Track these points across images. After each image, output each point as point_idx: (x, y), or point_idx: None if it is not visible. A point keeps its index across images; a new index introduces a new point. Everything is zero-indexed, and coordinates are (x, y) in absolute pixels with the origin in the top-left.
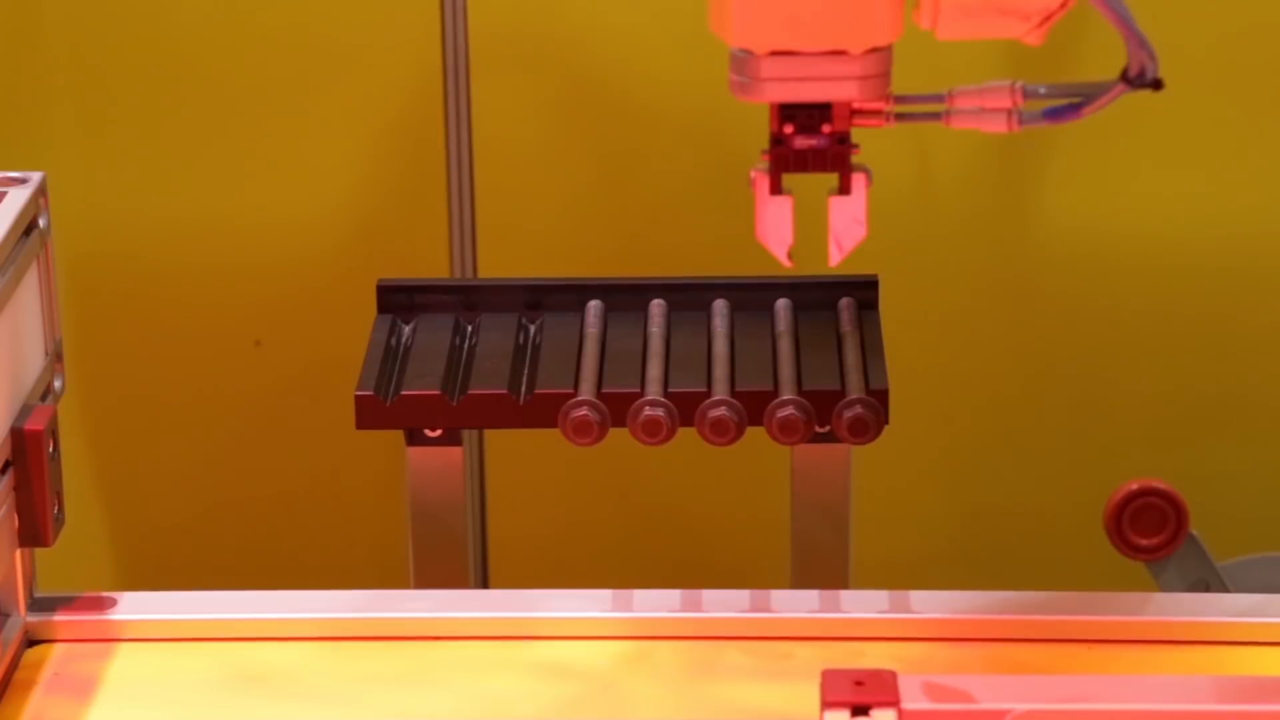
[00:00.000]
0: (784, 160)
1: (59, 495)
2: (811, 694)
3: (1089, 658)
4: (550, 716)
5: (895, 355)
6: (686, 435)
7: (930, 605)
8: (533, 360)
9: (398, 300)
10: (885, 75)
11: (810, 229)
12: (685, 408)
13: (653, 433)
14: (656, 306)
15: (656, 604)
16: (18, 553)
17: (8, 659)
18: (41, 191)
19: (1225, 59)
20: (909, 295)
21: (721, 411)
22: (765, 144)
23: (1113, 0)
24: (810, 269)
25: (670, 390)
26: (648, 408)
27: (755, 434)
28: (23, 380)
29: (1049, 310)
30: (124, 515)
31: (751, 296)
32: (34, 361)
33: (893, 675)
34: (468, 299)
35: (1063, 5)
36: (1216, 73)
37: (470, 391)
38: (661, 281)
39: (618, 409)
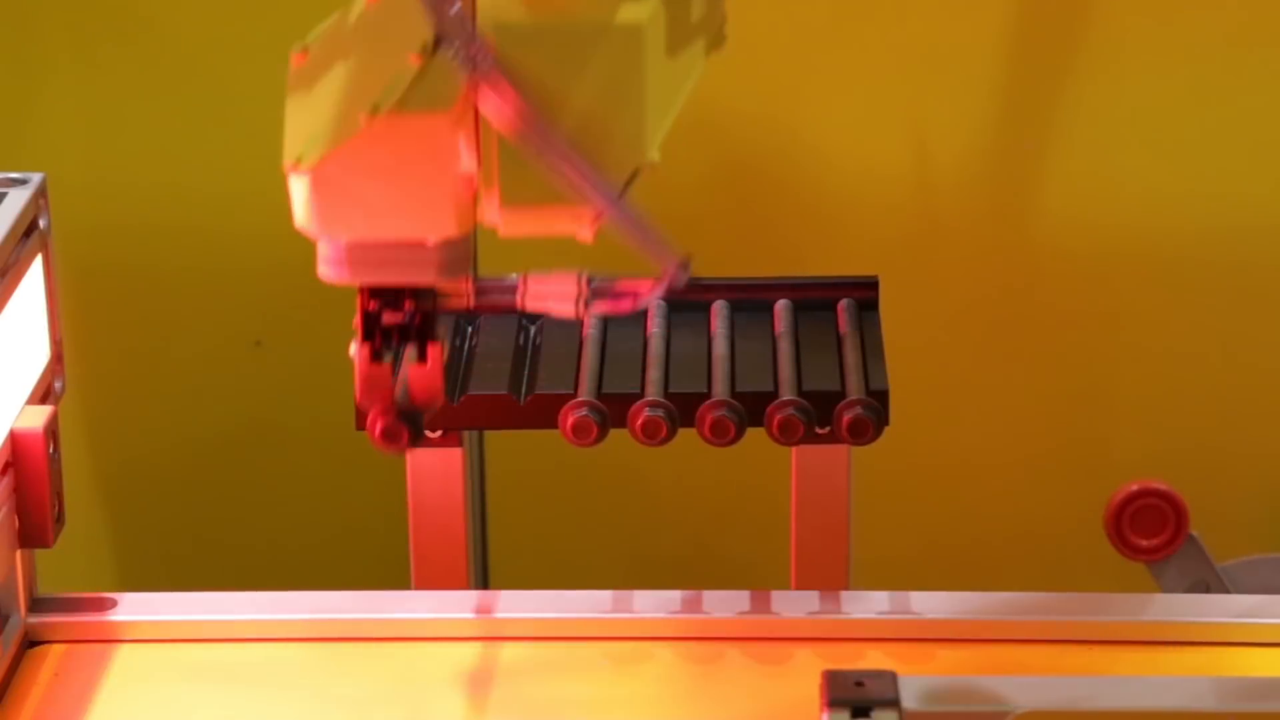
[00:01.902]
0: (373, 334)
1: (59, 496)
2: (812, 694)
3: (1089, 659)
4: (550, 716)
5: (895, 356)
6: (686, 436)
7: (930, 606)
8: (533, 361)
9: None
10: (464, 259)
11: (810, 227)
12: (685, 409)
13: (653, 434)
14: (657, 308)
15: (656, 604)
16: (18, 553)
17: (8, 660)
18: (41, 192)
19: (1226, 58)
20: (909, 295)
21: (721, 413)
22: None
23: (632, 220)
24: (810, 269)
25: (670, 391)
26: (648, 409)
27: (755, 435)
28: (23, 381)
29: (1049, 310)
30: (124, 515)
31: (751, 297)
32: (34, 362)
33: (893, 676)
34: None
35: (598, 216)
36: (1217, 73)
37: (470, 392)
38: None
39: (618, 410)
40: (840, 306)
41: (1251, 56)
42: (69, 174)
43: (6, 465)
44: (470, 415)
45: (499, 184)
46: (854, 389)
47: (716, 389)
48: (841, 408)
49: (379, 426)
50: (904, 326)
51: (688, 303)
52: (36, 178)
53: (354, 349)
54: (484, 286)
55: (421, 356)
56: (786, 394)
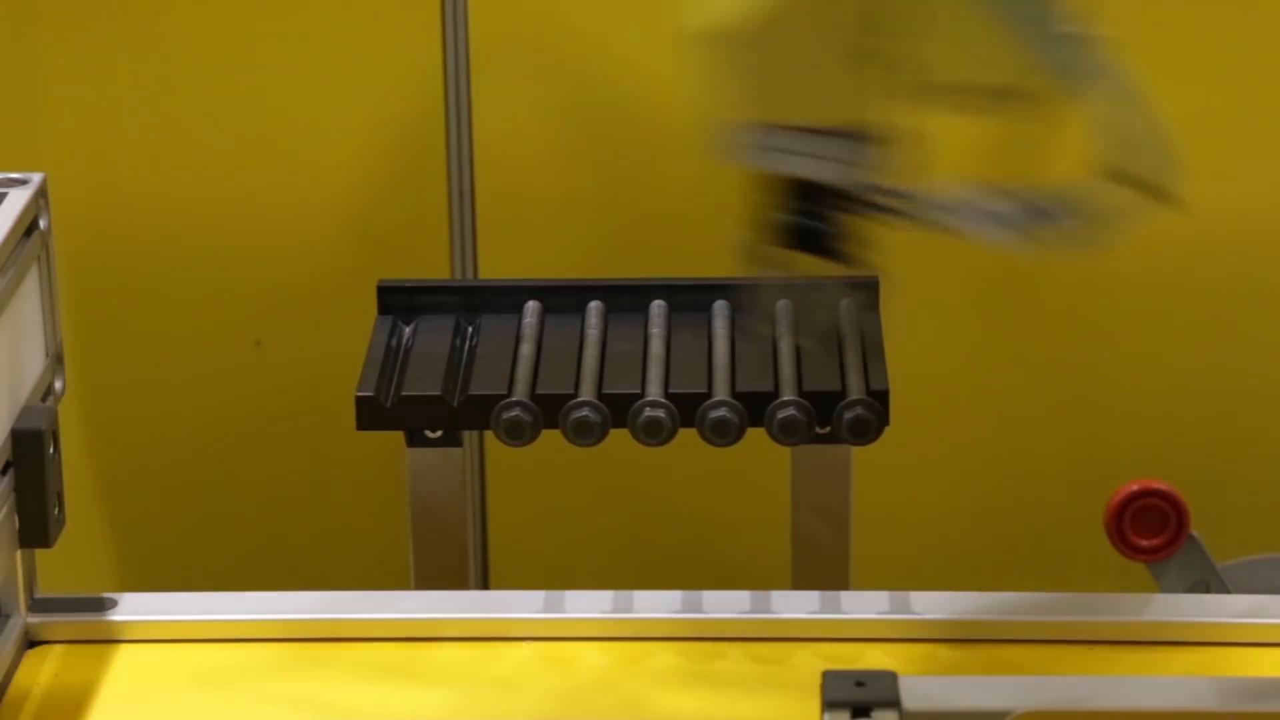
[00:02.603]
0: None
1: (59, 496)
2: (812, 695)
3: (1090, 659)
4: (550, 717)
5: (895, 356)
6: (687, 436)
7: (931, 606)
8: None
9: (398, 301)
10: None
11: None
12: (686, 409)
13: (653, 434)
14: (657, 308)
15: (656, 605)
16: (18, 553)
17: (8, 660)
18: (42, 192)
19: (1227, 57)
20: (909, 295)
21: (722, 412)
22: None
23: None
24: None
25: (671, 391)
26: (648, 409)
27: (756, 435)
28: (23, 381)
29: (1049, 310)
30: (124, 515)
31: (752, 298)
32: (34, 362)
33: (893, 676)
34: (468, 300)
35: None
36: (1217, 73)
37: (470, 392)
38: (662, 283)
39: (618, 410)
40: (840, 307)
41: (1252, 58)
42: (69, 174)
43: (6, 465)
44: (470, 415)
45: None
46: (854, 389)
47: (717, 389)
48: (842, 408)
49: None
50: (904, 326)
51: (688, 303)
52: (36, 178)
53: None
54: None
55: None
56: (787, 394)
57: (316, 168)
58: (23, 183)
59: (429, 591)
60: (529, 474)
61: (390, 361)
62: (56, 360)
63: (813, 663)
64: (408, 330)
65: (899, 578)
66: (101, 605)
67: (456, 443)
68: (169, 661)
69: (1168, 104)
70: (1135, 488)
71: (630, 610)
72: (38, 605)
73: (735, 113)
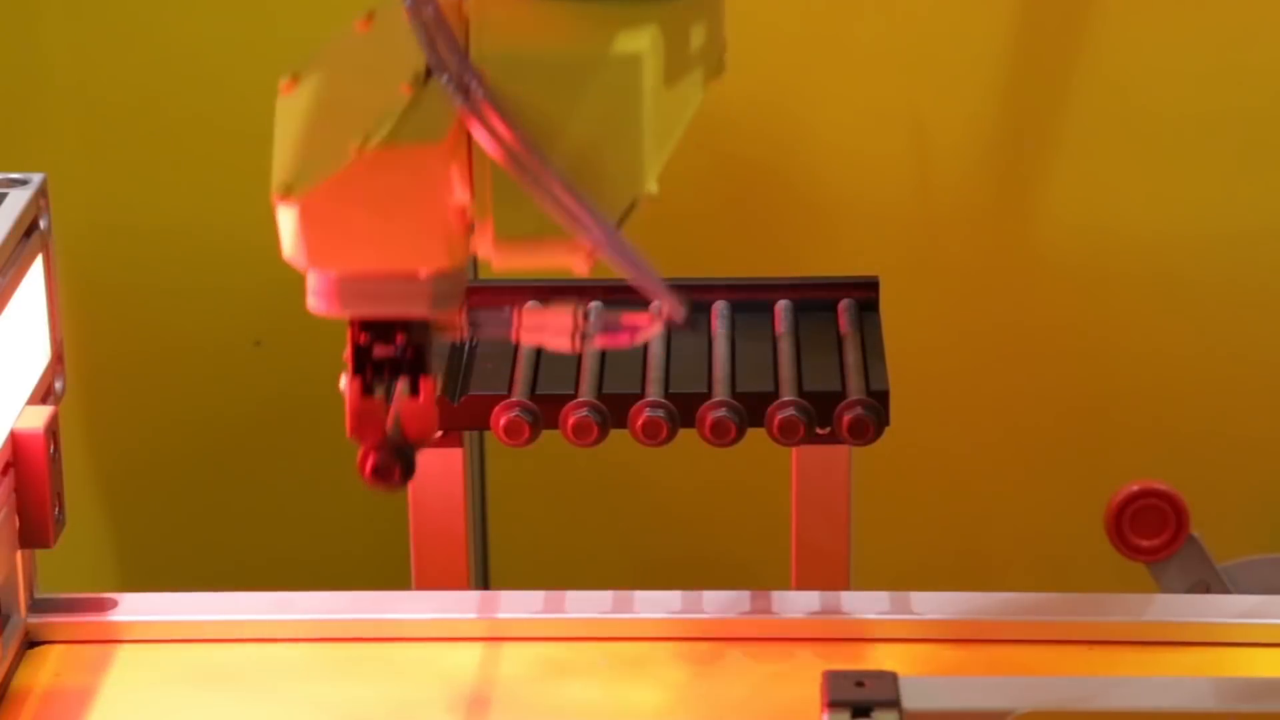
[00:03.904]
0: (364, 367)
1: (59, 496)
2: (812, 695)
3: (1090, 659)
4: (550, 717)
5: (896, 356)
6: (687, 436)
7: (931, 606)
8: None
9: None
10: (457, 291)
11: (810, 227)
12: (686, 409)
13: (653, 434)
14: (657, 308)
15: (656, 604)
16: (18, 554)
17: (8, 660)
18: (42, 193)
19: (1227, 62)
20: (909, 295)
21: (721, 413)
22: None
23: (629, 257)
24: (810, 270)
25: (671, 392)
26: (648, 409)
27: (756, 435)
28: (23, 381)
29: (1049, 310)
30: (124, 515)
31: (751, 297)
32: (35, 362)
33: (894, 676)
34: (468, 300)
35: (593, 252)
36: (1218, 74)
37: (470, 392)
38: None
39: (618, 410)
40: (840, 306)
41: (1252, 60)
42: (69, 174)
43: (7, 465)
44: (470, 415)
45: (493, 217)
46: (854, 389)
47: (716, 389)
48: (842, 408)
49: (370, 463)
50: (904, 326)
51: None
52: (37, 178)
53: (344, 383)
54: (478, 319)
55: (414, 390)
56: (787, 394)
57: None
58: (23, 183)
59: (429, 591)
60: (529, 474)
61: None
62: (57, 360)
63: (813, 663)
64: None
65: (900, 579)
66: (101, 605)
67: (457, 442)
68: (169, 661)
69: (1167, 105)
70: (1135, 488)
71: (630, 610)
72: (38, 605)
73: (319, 264)
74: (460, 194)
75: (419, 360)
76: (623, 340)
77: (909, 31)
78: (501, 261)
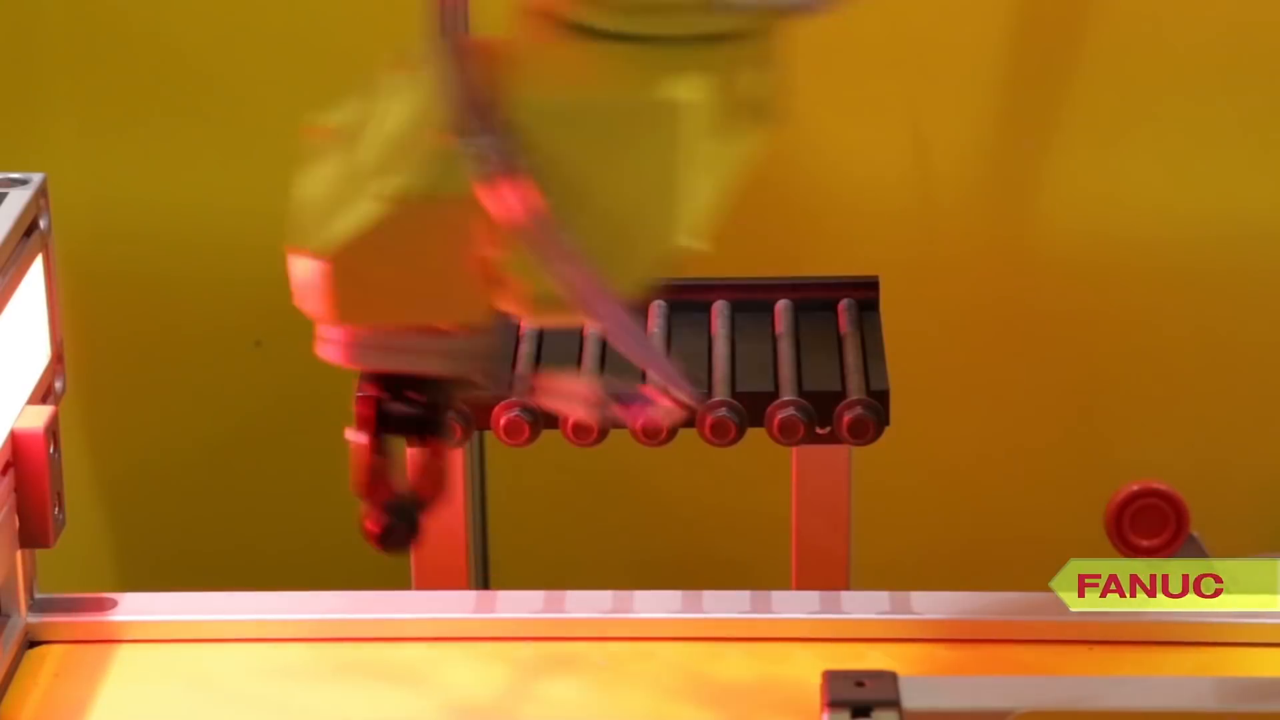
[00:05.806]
0: (376, 423)
1: (59, 496)
2: (812, 695)
3: (1090, 658)
4: (550, 717)
5: (895, 356)
6: (687, 436)
7: (931, 606)
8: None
9: None
10: (483, 349)
11: (810, 227)
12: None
13: (653, 434)
14: (656, 308)
15: (656, 604)
16: (18, 554)
17: (8, 660)
18: (42, 192)
19: (1227, 60)
20: (909, 295)
21: (722, 413)
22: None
23: (643, 345)
24: (810, 270)
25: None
26: None
27: (756, 435)
28: (23, 381)
29: (1049, 310)
30: (124, 515)
31: (751, 297)
32: (35, 362)
33: (893, 676)
34: None
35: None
36: (1218, 74)
37: (470, 392)
38: (661, 283)
39: None
40: (840, 306)
41: (1253, 60)
42: (69, 174)
43: (7, 465)
44: (471, 415)
45: (523, 275)
46: (854, 389)
47: (717, 389)
48: (841, 408)
49: (374, 527)
50: (904, 326)
51: (688, 303)
52: (36, 178)
53: (352, 435)
54: (496, 378)
55: (428, 448)
56: (787, 394)
57: None
58: (23, 183)
59: (429, 591)
60: (529, 474)
61: None
62: (57, 360)
63: (813, 663)
64: None
65: (900, 578)
66: (101, 605)
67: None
68: (169, 661)
69: (1167, 106)
70: (1135, 488)
71: (630, 610)
72: (38, 605)
73: (342, 319)
74: (490, 249)
75: (436, 420)
76: (637, 418)
77: (909, 32)
78: (531, 319)
